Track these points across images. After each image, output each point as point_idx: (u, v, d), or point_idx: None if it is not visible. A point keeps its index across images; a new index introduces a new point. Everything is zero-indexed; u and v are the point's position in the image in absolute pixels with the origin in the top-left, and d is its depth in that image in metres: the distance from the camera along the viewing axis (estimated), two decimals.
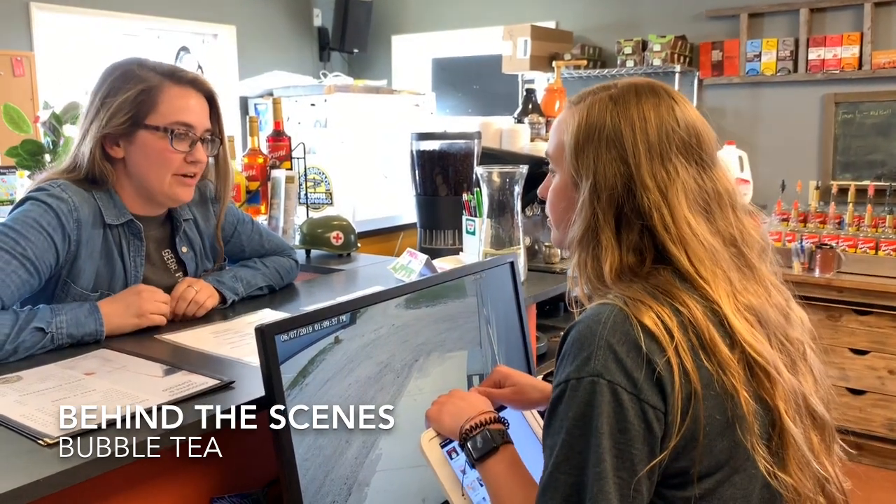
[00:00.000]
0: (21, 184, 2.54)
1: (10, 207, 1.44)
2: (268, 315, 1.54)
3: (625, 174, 0.94)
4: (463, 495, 1.01)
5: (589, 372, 0.84)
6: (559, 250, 2.30)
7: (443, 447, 1.03)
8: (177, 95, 1.46)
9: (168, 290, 1.51)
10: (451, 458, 1.02)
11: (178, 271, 1.60)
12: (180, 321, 1.49)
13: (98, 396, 1.08)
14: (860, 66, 4.22)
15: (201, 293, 1.52)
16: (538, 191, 1.13)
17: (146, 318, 1.42)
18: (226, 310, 1.58)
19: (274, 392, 0.97)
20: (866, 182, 4.04)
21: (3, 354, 1.24)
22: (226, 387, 1.12)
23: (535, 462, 1.12)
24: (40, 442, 0.93)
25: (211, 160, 1.58)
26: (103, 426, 0.98)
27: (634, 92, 0.98)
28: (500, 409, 1.15)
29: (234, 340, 1.37)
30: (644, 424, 0.84)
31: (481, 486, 1.03)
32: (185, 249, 1.60)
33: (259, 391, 1.05)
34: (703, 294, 0.90)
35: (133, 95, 1.43)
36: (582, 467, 0.84)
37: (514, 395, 1.18)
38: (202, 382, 1.13)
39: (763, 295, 0.96)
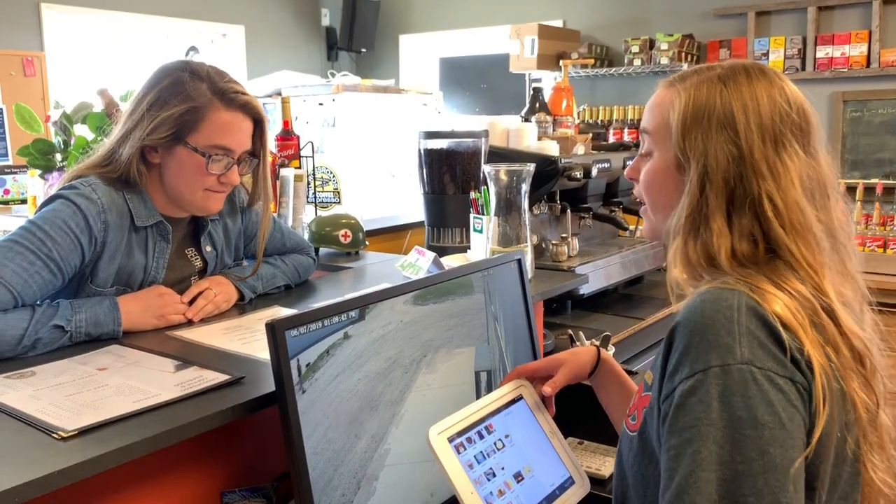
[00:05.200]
0: (32, 183, 2.56)
1: (40, 203, 1.44)
2: (278, 312, 1.55)
3: (737, 157, 0.90)
4: (471, 490, 1.01)
5: (737, 360, 0.79)
6: (566, 248, 2.31)
7: (451, 442, 1.03)
8: (221, 120, 1.44)
9: (184, 286, 1.53)
10: (460, 453, 1.03)
11: (199, 269, 1.61)
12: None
13: (111, 391, 1.10)
14: (868, 64, 4.21)
15: (220, 296, 1.54)
16: (626, 172, 1.07)
17: (164, 320, 1.44)
18: (238, 306, 1.60)
19: (284, 387, 0.98)
20: (875, 180, 4.03)
21: (21, 350, 1.26)
22: (237, 382, 1.14)
23: (537, 457, 1.13)
24: (55, 435, 0.95)
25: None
26: (116, 421, 1.00)
27: (745, 72, 0.94)
28: (513, 401, 1.16)
29: (245, 337, 1.38)
30: (805, 409, 0.79)
31: (489, 480, 1.04)
32: (208, 248, 1.62)
33: (269, 386, 1.07)
34: (814, 284, 0.87)
35: (178, 113, 1.41)
36: (738, 461, 0.76)
37: (573, 373, 1.19)
38: (213, 378, 1.14)
39: (850, 288, 0.93)
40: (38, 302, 1.36)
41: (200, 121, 1.42)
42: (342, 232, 2.19)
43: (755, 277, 0.86)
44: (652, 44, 4.86)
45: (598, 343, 1.69)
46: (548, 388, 1.16)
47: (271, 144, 2.26)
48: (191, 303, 1.50)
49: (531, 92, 2.70)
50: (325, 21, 6.58)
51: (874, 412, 0.88)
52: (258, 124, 1.52)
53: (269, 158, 1.62)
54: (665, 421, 0.83)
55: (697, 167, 0.91)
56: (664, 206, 0.99)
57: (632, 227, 2.75)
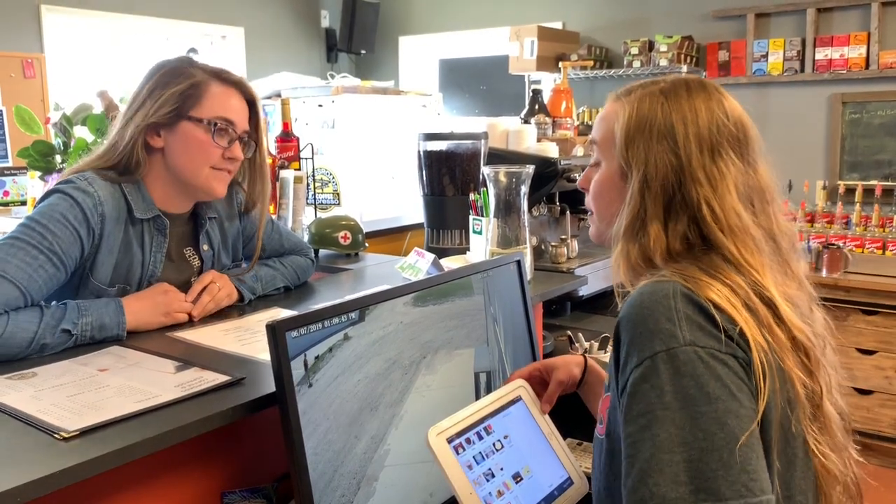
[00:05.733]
0: (32, 184, 2.56)
1: (37, 200, 1.46)
2: (278, 313, 1.56)
3: (676, 167, 0.95)
4: (470, 491, 1.02)
5: (680, 342, 0.82)
6: (565, 250, 2.31)
7: (450, 443, 1.04)
8: (221, 93, 1.51)
9: (184, 286, 1.54)
10: (459, 454, 1.04)
11: (197, 268, 1.62)
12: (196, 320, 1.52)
13: (112, 392, 1.10)
14: (867, 65, 4.21)
15: (222, 291, 1.56)
16: (578, 182, 1.13)
17: (171, 318, 1.45)
18: (237, 308, 1.60)
19: (284, 387, 0.98)
20: (873, 182, 4.04)
21: (30, 352, 1.27)
22: (237, 383, 1.14)
23: (536, 458, 1.13)
24: (56, 436, 0.95)
25: (246, 165, 1.62)
26: (118, 421, 1.00)
27: (685, 86, 0.99)
28: (513, 402, 1.16)
29: (245, 338, 1.38)
30: (751, 384, 0.82)
31: (488, 481, 1.05)
32: (206, 247, 1.63)
33: (269, 387, 1.07)
34: (752, 279, 0.90)
35: (181, 89, 1.47)
36: (700, 439, 0.78)
37: (565, 381, 1.23)
38: (213, 379, 1.15)
39: (795, 288, 0.97)
40: (43, 298, 1.37)
41: (202, 95, 1.49)
42: (342, 233, 2.20)
43: (689, 269, 0.90)
44: (651, 45, 4.86)
45: (596, 343, 1.70)
46: (546, 406, 1.21)
47: (271, 146, 2.27)
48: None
49: (531, 94, 2.71)
50: (325, 23, 6.58)
51: (818, 401, 0.90)
52: (252, 108, 1.57)
53: (265, 146, 1.66)
54: (622, 414, 0.86)
55: (638, 175, 0.96)
56: (609, 213, 1.03)
57: None
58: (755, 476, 0.77)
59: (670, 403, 0.80)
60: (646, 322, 0.85)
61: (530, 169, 1.79)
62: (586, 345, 1.71)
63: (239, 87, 1.55)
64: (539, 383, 1.25)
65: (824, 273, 3.56)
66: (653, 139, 0.96)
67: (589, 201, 1.09)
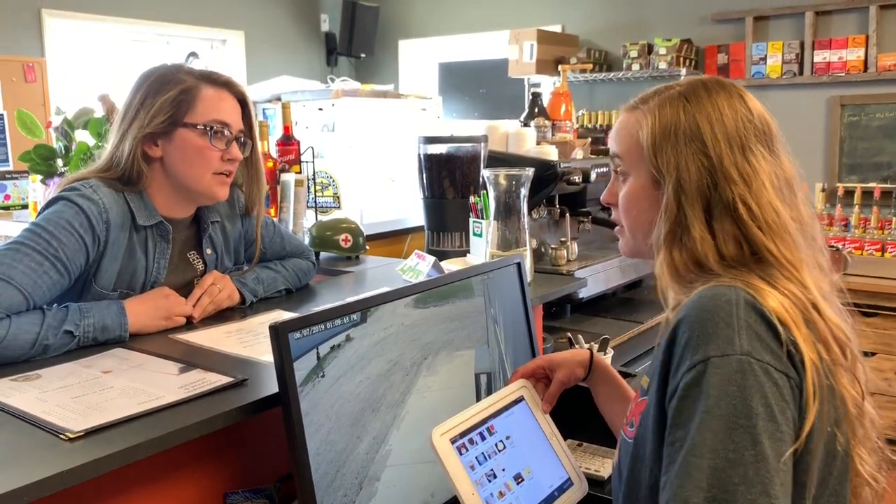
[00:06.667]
0: (33, 188, 2.57)
1: (41, 206, 1.47)
2: (280, 315, 1.56)
3: (708, 167, 0.93)
4: (472, 492, 1.02)
5: (736, 350, 0.81)
6: (565, 252, 2.32)
7: (453, 443, 1.05)
8: (213, 96, 1.52)
9: (187, 290, 1.55)
10: (462, 454, 1.04)
11: (200, 272, 1.63)
12: (198, 322, 1.53)
13: (116, 393, 1.11)
14: (865, 68, 4.23)
15: (224, 292, 1.57)
16: (603, 198, 1.10)
17: (171, 321, 1.46)
18: (239, 310, 1.61)
19: (287, 388, 0.99)
20: (872, 184, 4.05)
21: (32, 354, 1.27)
22: (240, 384, 1.15)
23: (537, 459, 1.14)
24: (61, 436, 0.96)
25: (244, 165, 1.63)
26: (122, 422, 1.01)
27: (703, 87, 0.98)
28: (515, 402, 1.17)
29: (248, 340, 1.39)
30: (795, 406, 0.81)
31: (489, 481, 1.06)
32: (209, 251, 1.64)
33: (272, 388, 1.08)
34: (798, 281, 0.89)
35: (173, 96, 1.48)
36: (731, 450, 0.78)
37: (568, 378, 1.23)
38: (216, 380, 1.16)
39: (828, 283, 0.95)
40: (47, 303, 1.38)
41: (194, 99, 1.49)
42: (342, 236, 2.20)
43: (748, 275, 0.89)
44: (650, 49, 4.88)
45: (596, 345, 1.71)
46: (546, 405, 1.21)
47: (272, 150, 2.28)
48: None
49: (530, 97, 2.72)
50: (325, 26, 6.60)
51: (860, 404, 0.90)
52: (244, 107, 1.58)
53: (259, 145, 1.68)
54: (671, 417, 0.84)
55: (672, 181, 0.95)
56: (643, 224, 1.01)
57: None
58: (774, 502, 0.76)
59: (712, 408, 0.80)
60: (705, 325, 0.83)
61: (530, 172, 1.80)
62: (586, 346, 1.72)
63: (229, 87, 1.56)
64: (542, 380, 1.25)
65: None
66: (680, 143, 0.95)
67: (618, 215, 1.07)
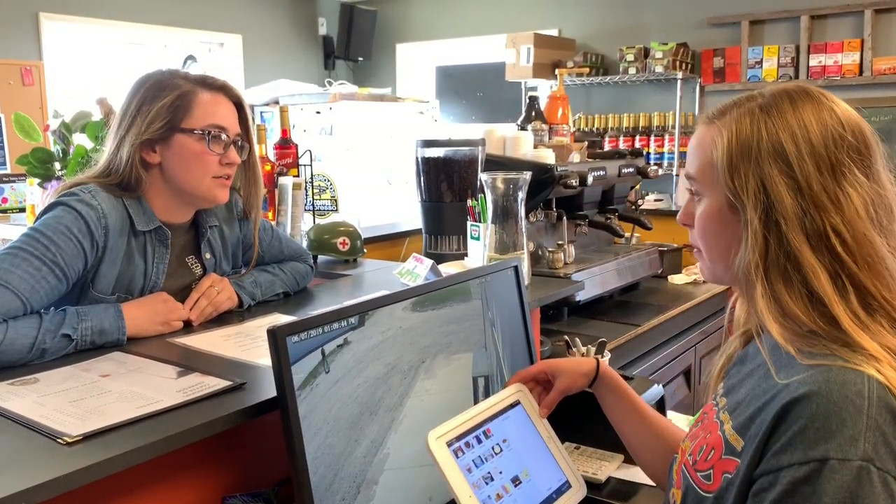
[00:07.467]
0: (31, 192, 2.57)
1: (39, 211, 1.47)
2: (278, 319, 1.57)
3: (796, 190, 0.83)
4: (470, 494, 1.03)
5: (858, 455, 0.73)
6: (562, 255, 2.33)
7: (449, 446, 1.05)
8: (209, 100, 1.52)
9: (186, 294, 1.55)
10: (458, 457, 1.05)
11: (199, 276, 1.63)
12: (196, 325, 1.53)
13: (114, 397, 1.11)
14: (861, 72, 4.24)
15: (222, 294, 1.57)
16: (678, 218, 1.00)
17: (169, 326, 1.46)
18: (238, 314, 1.61)
19: (285, 392, 0.99)
20: None
21: (31, 358, 1.27)
22: (238, 388, 1.15)
23: (535, 462, 1.14)
24: (60, 441, 0.96)
25: (241, 168, 1.63)
26: (120, 426, 1.01)
27: (787, 97, 0.87)
28: (511, 406, 1.17)
29: (245, 343, 1.40)
30: None
31: (487, 484, 1.06)
32: (208, 256, 1.64)
33: (270, 392, 1.08)
34: None
35: (169, 101, 1.48)
36: None
37: (569, 386, 1.19)
38: (215, 384, 1.16)
39: None
40: (44, 308, 1.38)
41: (191, 104, 1.49)
42: (340, 240, 2.21)
43: (882, 335, 0.80)
44: (646, 52, 4.89)
45: (593, 348, 1.71)
46: (544, 411, 1.19)
47: (270, 153, 2.28)
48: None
49: (527, 100, 2.73)
50: (322, 30, 6.61)
51: None
52: (240, 110, 1.59)
53: (258, 149, 1.67)
54: (764, 495, 0.79)
55: (755, 206, 0.85)
56: (723, 249, 0.92)
57: (627, 234, 2.77)
58: None
59: None
60: (828, 419, 0.75)
61: (527, 175, 1.80)
62: (583, 349, 1.72)
63: (225, 90, 1.56)
64: (543, 384, 1.24)
65: None
66: (762, 163, 0.84)
67: (694, 237, 0.97)
